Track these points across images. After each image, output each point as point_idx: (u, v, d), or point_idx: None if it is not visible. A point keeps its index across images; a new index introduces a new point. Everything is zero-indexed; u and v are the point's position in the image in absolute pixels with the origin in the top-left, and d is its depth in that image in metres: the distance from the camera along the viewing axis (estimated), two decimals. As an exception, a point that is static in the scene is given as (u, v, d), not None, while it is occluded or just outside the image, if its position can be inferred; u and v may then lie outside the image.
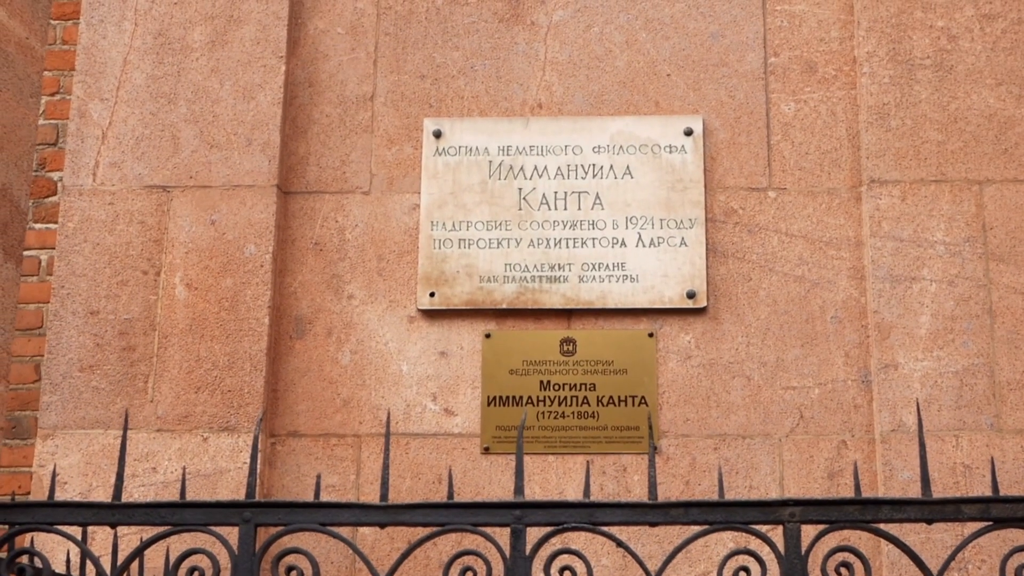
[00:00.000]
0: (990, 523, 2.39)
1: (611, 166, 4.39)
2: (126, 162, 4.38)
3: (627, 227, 4.33)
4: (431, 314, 4.32)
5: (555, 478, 4.16)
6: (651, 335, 4.27)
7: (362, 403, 4.27)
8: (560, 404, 4.23)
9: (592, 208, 4.35)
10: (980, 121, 4.26)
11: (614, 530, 2.38)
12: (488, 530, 2.35)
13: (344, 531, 2.41)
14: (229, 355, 4.20)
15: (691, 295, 4.26)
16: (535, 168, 4.40)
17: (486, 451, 4.20)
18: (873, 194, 4.22)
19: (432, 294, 4.31)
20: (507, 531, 2.36)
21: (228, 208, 4.32)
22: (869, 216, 4.22)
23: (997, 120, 4.26)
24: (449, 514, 2.35)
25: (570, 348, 4.27)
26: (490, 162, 4.42)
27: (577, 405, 4.23)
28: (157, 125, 4.41)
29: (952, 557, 2.37)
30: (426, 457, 4.21)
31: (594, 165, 4.39)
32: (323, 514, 2.36)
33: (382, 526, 2.35)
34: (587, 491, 2.41)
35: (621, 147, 4.40)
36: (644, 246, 4.30)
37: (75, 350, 4.22)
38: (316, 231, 4.41)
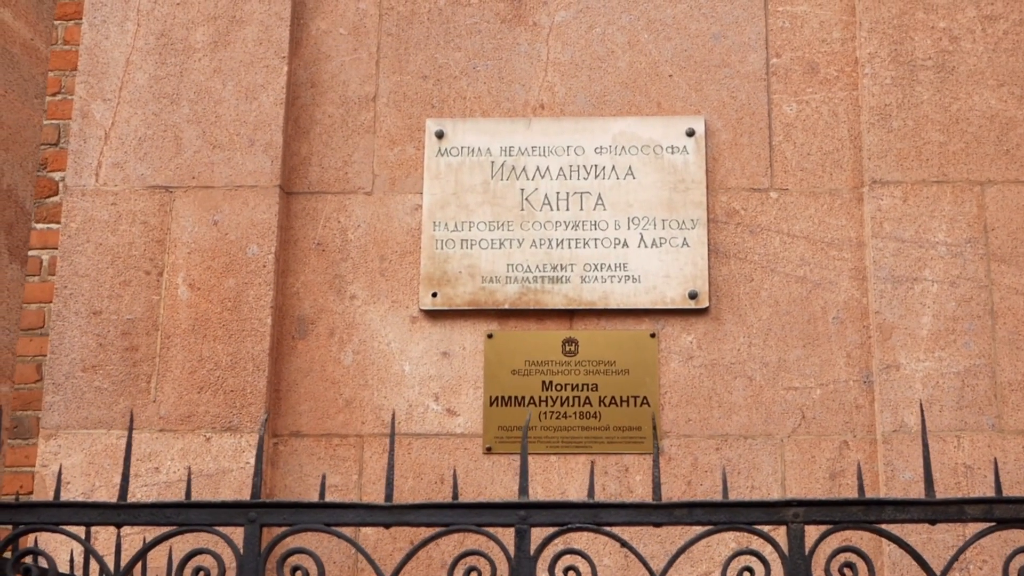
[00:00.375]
0: (993, 524, 2.40)
1: (613, 167, 4.39)
2: (129, 162, 4.38)
3: (629, 228, 4.33)
4: (433, 314, 4.33)
5: (557, 478, 4.17)
6: (653, 335, 4.27)
7: (364, 403, 4.27)
8: (562, 404, 4.24)
9: (594, 209, 4.36)
10: (982, 122, 4.27)
11: (618, 530, 2.39)
12: (492, 530, 2.36)
13: (347, 531, 2.41)
14: (232, 355, 4.20)
15: (693, 296, 4.26)
16: (537, 169, 4.41)
17: (488, 451, 4.21)
18: (875, 195, 4.23)
19: (434, 294, 4.31)
20: (511, 531, 2.37)
21: (231, 208, 4.32)
22: (871, 217, 4.22)
23: (999, 121, 4.27)
24: (454, 514, 2.36)
25: (572, 348, 4.28)
26: (492, 162, 4.42)
27: (579, 405, 4.23)
28: (160, 125, 4.41)
29: (955, 558, 2.38)
30: (428, 457, 4.21)
31: (596, 166, 4.40)
32: (328, 514, 2.36)
33: (387, 526, 2.36)
34: (591, 491, 2.41)
35: (623, 148, 4.40)
36: (646, 247, 4.31)
37: (78, 350, 4.23)
38: (318, 231, 4.42)
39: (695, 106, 4.46)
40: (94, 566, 3.42)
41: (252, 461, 4.09)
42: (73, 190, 4.37)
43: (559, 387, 4.25)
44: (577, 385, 4.25)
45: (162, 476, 4.12)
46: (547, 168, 4.40)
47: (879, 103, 4.30)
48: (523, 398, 4.24)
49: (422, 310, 4.33)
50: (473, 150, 4.43)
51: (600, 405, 4.23)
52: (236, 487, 4.07)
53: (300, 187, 4.45)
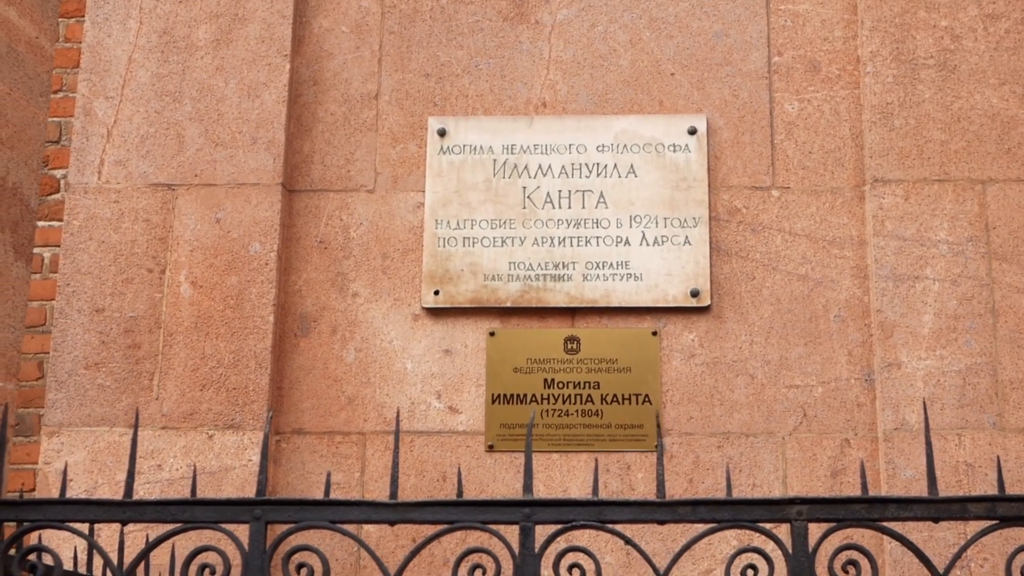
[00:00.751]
0: (996, 522, 2.41)
1: (615, 165, 4.40)
2: (131, 160, 4.39)
3: (631, 226, 4.34)
4: (436, 312, 4.34)
5: (559, 476, 4.18)
6: (655, 333, 4.28)
7: (367, 401, 4.28)
8: (564, 402, 4.24)
9: (596, 207, 4.36)
10: (983, 121, 4.27)
11: (621, 528, 2.39)
12: (497, 528, 2.36)
13: (351, 528, 2.42)
14: (234, 353, 4.21)
15: (695, 294, 4.27)
16: (539, 167, 4.41)
17: (490, 449, 4.21)
18: (876, 193, 4.24)
19: (437, 292, 4.32)
20: (515, 528, 2.37)
21: (233, 206, 4.33)
22: (872, 215, 4.23)
23: (1000, 120, 4.27)
24: (459, 512, 2.36)
25: (574, 346, 4.29)
26: (494, 160, 4.43)
27: (581, 403, 4.24)
28: (162, 123, 4.42)
29: (958, 555, 2.38)
30: (430, 455, 4.22)
31: (598, 164, 4.41)
32: (333, 512, 2.37)
33: (392, 524, 2.36)
34: (595, 489, 2.42)
35: (625, 146, 4.41)
36: (648, 245, 4.31)
37: (80, 348, 4.23)
38: (321, 229, 4.42)
39: (697, 104, 4.46)
40: (97, 562, 3.42)
41: (255, 458, 4.10)
42: (76, 188, 4.37)
43: (561, 385, 4.26)
44: (579, 383, 4.26)
45: (165, 474, 4.12)
46: (549, 166, 4.41)
47: (881, 101, 4.31)
48: (525, 396, 4.25)
49: (424, 308, 4.33)
50: (475, 148, 4.44)
51: (602, 403, 4.23)
52: (239, 484, 4.08)
53: (302, 185, 4.46)
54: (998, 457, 2.46)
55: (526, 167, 4.41)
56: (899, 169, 4.25)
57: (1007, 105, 4.29)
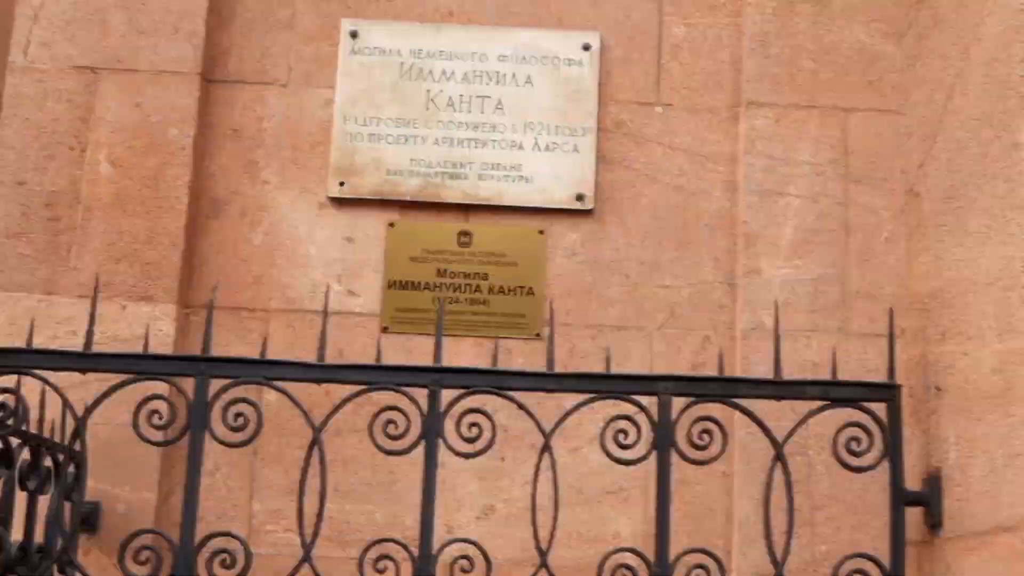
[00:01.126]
0: (828, 402, 2.84)
1: (513, 74, 4.72)
2: (57, 42, 4.59)
3: (525, 132, 4.67)
4: (340, 202, 4.63)
5: (447, 357, 4.45)
6: (541, 232, 4.62)
7: (272, 281, 4.57)
8: (455, 291, 4.58)
9: (494, 112, 4.68)
10: (850, 54, 4.64)
11: (515, 395, 2.77)
12: (409, 390, 2.72)
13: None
14: (149, 230, 4.45)
15: (580, 198, 4.62)
16: (443, 72, 4.72)
17: (385, 330, 4.53)
18: (750, 115, 4.60)
19: (342, 183, 4.62)
20: (425, 392, 2.74)
21: (153, 92, 4.56)
22: (745, 135, 4.58)
23: (866, 54, 4.64)
24: (377, 374, 2.73)
25: (466, 240, 4.62)
26: (401, 63, 4.72)
27: (470, 292, 4.58)
28: (88, 8, 4.61)
29: (795, 428, 2.81)
30: (329, 333, 4.47)
31: (498, 72, 4.72)
32: (268, 369, 2.72)
33: (319, 382, 2.71)
34: (495, 362, 2.79)
35: (524, 57, 4.73)
36: (540, 150, 4.65)
37: (3, 218, 4.43)
38: (235, 119, 4.68)
39: (592, 22, 4.77)
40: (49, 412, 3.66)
41: (165, 328, 4.35)
42: (8, 66, 4.57)
43: (453, 275, 4.59)
44: (469, 274, 4.59)
45: (79, 339, 4.31)
46: (452, 72, 4.71)
47: (759, 31, 4.64)
48: (419, 283, 4.58)
49: (329, 197, 4.62)
50: (385, 51, 4.72)
51: (489, 293, 4.58)
52: (150, 352, 4.34)
53: (219, 76, 4.70)
54: (833, 349, 2.88)
55: (431, 71, 4.71)
56: (772, 94, 4.61)
57: (873, 41, 4.65)
